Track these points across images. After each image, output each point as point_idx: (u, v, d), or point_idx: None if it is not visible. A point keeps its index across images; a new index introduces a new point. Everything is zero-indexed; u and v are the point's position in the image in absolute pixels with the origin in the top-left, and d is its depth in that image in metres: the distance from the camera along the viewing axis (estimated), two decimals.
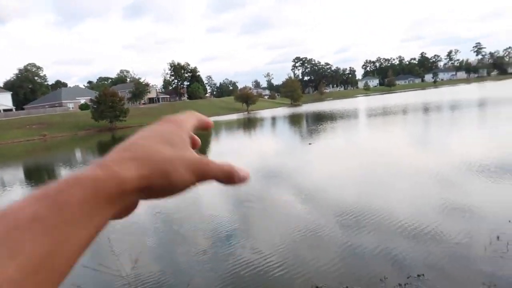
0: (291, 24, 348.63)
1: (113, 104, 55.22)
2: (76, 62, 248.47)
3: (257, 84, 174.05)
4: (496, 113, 24.99)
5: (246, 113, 68.03)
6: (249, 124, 41.31)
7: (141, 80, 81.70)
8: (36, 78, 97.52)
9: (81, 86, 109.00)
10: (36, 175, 20.01)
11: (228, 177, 0.40)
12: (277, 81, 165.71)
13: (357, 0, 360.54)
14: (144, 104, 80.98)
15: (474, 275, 4.71)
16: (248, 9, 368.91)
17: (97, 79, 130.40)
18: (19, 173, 21.69)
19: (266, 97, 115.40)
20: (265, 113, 59.93)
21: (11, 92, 78.56)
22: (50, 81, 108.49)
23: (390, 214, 6.99)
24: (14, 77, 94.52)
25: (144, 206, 9.03)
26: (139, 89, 79.08)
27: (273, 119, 45.01)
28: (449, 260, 5.10)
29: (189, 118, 0.47)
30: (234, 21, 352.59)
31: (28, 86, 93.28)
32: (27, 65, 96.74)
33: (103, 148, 32.01)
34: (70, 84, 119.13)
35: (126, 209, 0.37)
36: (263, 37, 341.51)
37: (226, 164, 0.41)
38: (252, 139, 26.50)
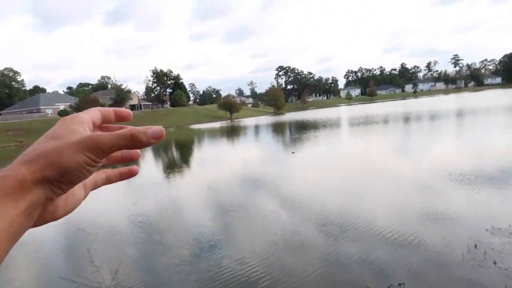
0: (274, 34, 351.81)
1: None
2: (55, 67, 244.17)
3: (240, 92, 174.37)
4: (473, 122, 25.68)
5: (229, 121, 68.01)
6: (232, 132, 41.27)
7: (123, 87, 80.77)
8: (13, 83, 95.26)
9: (61, 92, 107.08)
10: None
11: (131, 140, 0.42)
12: (260, 89, 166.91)
13: (339, 11, 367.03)
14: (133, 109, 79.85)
15: (453, 284, 4.79)
16: (231, 17, 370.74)
17: (77, 85, 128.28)
18: None
19: (249, 105, 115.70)
20: (249, 121, 60.03)
21: None
22: (28, 86, 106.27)
23: (372, 222, 7.06)
24: None
25: (125, 215, 8.87)
26: (121, 95, 78.08)
27: (257, 127, 45.11)
28: (429, 269, 5.18)
29: (86, 113, 0.47)
30: (218, 29, 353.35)
31: (4, 91, 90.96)
32: (4, 69, 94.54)
33: None
34: (49, 89, 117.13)
35: (43, 212, 0.39)
36: (246, 45, 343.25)
37: (123, 129, 0.43)
38: (235, 147, 26.48)
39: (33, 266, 6.63)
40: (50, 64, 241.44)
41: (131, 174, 0.51)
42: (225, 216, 8.65)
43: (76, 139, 0.40)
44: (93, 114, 0.48)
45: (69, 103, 70.68)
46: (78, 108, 54.67)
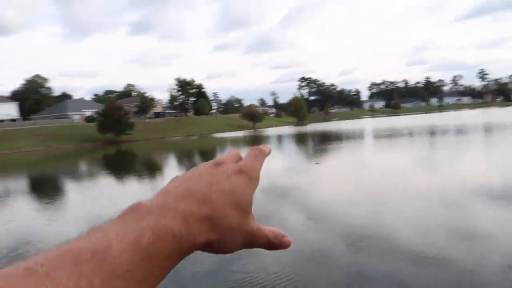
0: (295, 45, 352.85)
1: (119, 117, 55.60)
2: (82, 75, 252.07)
3: (262, 102, 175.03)
4: (505, 138, 24.85)
5: (252, 130, 68.17)
6: (255, 142, 41.31)
7: (147, 95, 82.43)
8: (41, 89, 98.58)
9: (87, 98, 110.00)
10: (40, 186, 19.92)
11: (271, 248, 0.43)
12: (282, 99, 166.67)
13: (362, 24, 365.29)
14: (149, 118, 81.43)
15: None
16: (253, 30, 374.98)
17: (103, 92, 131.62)
18: (22, 184, 21.60)
19: (272, 115, 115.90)
20: (271, 131, 60.04)
21: (18, 102, 79.31)
22: (56, 92, 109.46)
23: (399, 238, 6.81)
24: (22, 88, 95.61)
25: None
26: (145, 103, 79.69)
27: (280, 137, 45.03)
28: None
29: (259, 163, 0.45)
30: (240, 40, 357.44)
31: (34, 97, 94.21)
32: (34, 76, 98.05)
33: (107, 162, 32.02)
34: (76, 96, 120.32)
35: None
36: (267, 56, 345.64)
37: (272, 234, 0.42)
38: None
39: None
40: (77, 72, 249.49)
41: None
42: None
43: (248, 231, 0.40)
44: (262, 165, 0.46)
45: (95, 110, 72.56)
46: (105, 114, 55.91)
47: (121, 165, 27.98)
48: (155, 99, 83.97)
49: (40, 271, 0.27)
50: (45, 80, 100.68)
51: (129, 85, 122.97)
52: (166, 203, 0.36)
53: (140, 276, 0.30)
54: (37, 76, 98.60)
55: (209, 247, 0.37)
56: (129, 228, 0.32)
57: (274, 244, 0.42)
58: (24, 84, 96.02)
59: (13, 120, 71.70)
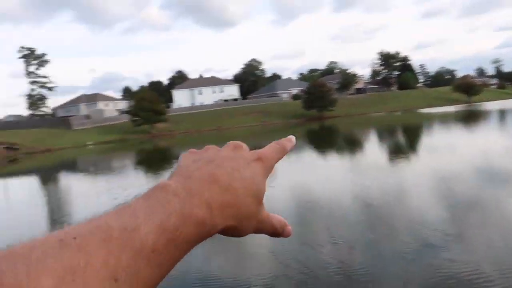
0: None
1: (322, 94, 57.67)
2: (289, 56, 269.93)
3: (480, 72, 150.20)
4: None
5: (466, 105, 59.81)
6: (469, 118, 36.14)
7: (348, 71, 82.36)
8: (257, 71, 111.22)
9: (294, 78, 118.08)
10: None
11: (275, 235, 0.45)
12: (508, 67, 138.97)
13: None
14: (351, 94, 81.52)
15: None
16: None
17: (308, 71, 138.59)
18: None
19: (492, 86, 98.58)
20: (491, 105, 51.20)
21: (238, 84, 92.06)
22: (268, 74, 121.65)
23: None
24: (241, 71, 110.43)
25: (358, 196, 8.86)
26: (347, 79, 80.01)
27: (502, 113, 37.94)
28: None
29: (277, 155, 0.47)
30: (453, 3, 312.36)
31: (251, 79, 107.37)
32: (250, 60, 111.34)
33: (311, 136, 33.91)
34: (284, 76, 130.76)
35: None
36: (489, 17, 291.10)
37: (278, 222, 0.44)
38: (473, 136, 22.93)
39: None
40: (285, 54, 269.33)
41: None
42: (457, 213, 7.57)
43: (261, 219, 0.42)
44: (278, 159, 0.48)
45: (301, 88, 77.39)
46: (309, 92, 59.05)
47: (323, 139, 29.17)
48: (357, 75, 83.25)
49: (73, 244, 0.28)
50: (260, 63, 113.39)
51: (331, 62, 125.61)
52: (191, 187, 0.37)
53: (162, 258, 0.31)
54: (253, 60, 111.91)
55: (226, 232, 0.39)
56: (156, 210, 0.33)
57: (278, 232, 0.44)
58: (243, 68, 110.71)
59: (235, 99, 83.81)
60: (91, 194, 13.46)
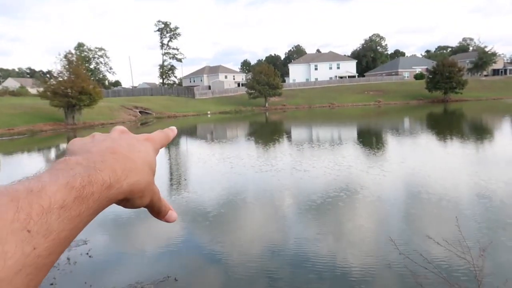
0: None
1: (451, 74, 52.12)
2: (416, 31, 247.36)
3: None
4: None
5: None
6: None
7: (487, 49, 72.37)
8: (378, 47, 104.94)
9: (418, 55, 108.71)
10: (366, 137, 21.92)
11: (159, 214, 0.49)
12: None
13: None
14: (486, 76, 72.02)
15: None
16: None
17: (436, 48, 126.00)
18: (352, 133, 24.44)
19: None
20: None
21: (356, 61, 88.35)
22: (390, 50, 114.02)
23: None
24: (360, 47, 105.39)
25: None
26: (483, 59, 70.61)
27: None
28: None
29: (161, 140, 0.52)
30: None
31: (370, 55, 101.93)
32: (372, 35, 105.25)
33: (432, 120, 31.14)
34: (408, 53, 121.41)
35: None
36: None
37: (164, 205, 0.49)
38: None
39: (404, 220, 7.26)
40: (412, 28, 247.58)
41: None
42: None
43: (155, 190, 0.46)
44: (163, 144, 0.53)
45: (426, 67, 70.97)
46: (435, 71, 53.88)
47: (445, 125, 26.56)
48: (496, 54, 72.76)
49: None
50: (382, 38, 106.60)
51: (465, 39, 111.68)
52: (92, 158, 0.40)
53: (72, 213, 0.34)
54: (376, 35, 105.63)
55: (126, 199, 0.42)
56: (61, 174, 0.36)
57: (163, 212, 0.49)
58: (363, 44, 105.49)
59: (352, 76, 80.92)
60: (211, 161, 14.59)
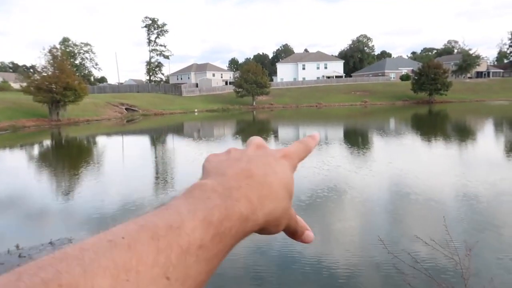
0: None
1: (436, 76, 52.96)
2: (402, 33, 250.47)
3: None
4: None
5: None
6: None
7: (471, 52, 73.72)
8: (365, 48, 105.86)
9: (404, 56, 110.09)
10: (352, 137, 22.13)
11: (295, 236, 0.45)
12: None
13: None
14: (470, 78, 73.39)
15: None
16: None
17: (421, 50, 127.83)
18: (338, 133, 24.63)
19: None
20: None
21: (343, 61, 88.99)
22: (377, 51, 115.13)
23: None
24: (347, 47, 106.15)
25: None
26: (467, 61, 71.92)
27: None
28: None
29: (302, 153, 0.47)
30: None
31: (357, 56, 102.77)
32: (359, 36, 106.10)
33: (417, 121, 31.59)
34: (394, 54, 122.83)
35: None
36: None
37: (301, 223, 0.45)
38: None
39: (387, 222, 7.31)
40: (398, 30, 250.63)
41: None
42: None
43: (291, 215, 0.42)
44: (302, 158, 0.48)
45: (411, 68, 71.83)
46: (420, 72, 54.65)
47: (430, 126, 26.97)
48: (480, 56, 74.18)
49: (122, 243, 0.28)
50: (369, 39, 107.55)
51: (450, 41, 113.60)
52: (228, 183, 0.37)
53: (210, 253, 0.31)
54: (363, 35, 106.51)
55: (265, 227, 0.39)
56: (198, 206, 0.33)
57: (299, 233, 0.44)
58: (350, 44, 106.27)
59: (339, 76, 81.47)
60: (199, 160, 14.52)
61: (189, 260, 0.29)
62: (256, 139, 0.46)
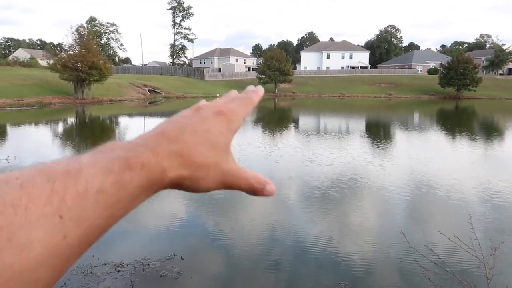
0: None
1: (465, 71, 51.24)
2: (432, 25, 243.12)
3: None
4: None
5: None
6: None
7: (505, 47, 70.87)
8: (392, 39, 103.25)
9: (433, 49, 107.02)
10: (374, 129, 21.73)
11: (253, 192, 0.42)
12: None
13: None
14: (501, 74, 70.77)
15: None
16: None
17: (451, 44, 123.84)
18: (361, 125, 24.22)
19: None
20: None
21: (369, 51, 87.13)
22: (405, 43, 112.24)
23: None
24: (374, 38, 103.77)
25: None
26: (500, 57, 69.22)
27: None
28: None
29: (242, 108, 0.46)
30: None
31: (384, 47, 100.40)
32: (387, 26, 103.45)
33: (443, 116, 30.75)
34: (423, 47, 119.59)
35: None
36: None
37: (254, 179, 0.42)
38: None
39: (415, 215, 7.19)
40: (428, 22, 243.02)
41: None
42: None
43: (224, 169, 0.40)
44: (246, 113, 0.46)
45: (440, 62, 69.83)
46: (449, 67, 53.01)
47: (456, 122, 26.21)
48: None
49: (15, 182, 0.28)
50: (398, 30, 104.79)
51: (482, 35, 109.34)
52: (137, 142, 0.38)
53: (110, 199, 0.31)
54: (391, 26, 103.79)
55: (182, 184, 0.38)
56: (100, 157, 0.34)
57: (256, 189, 0.41)
58: (377, 34, 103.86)
59: (364, 67, 79.95)
60: None
61: (86, 203, 0.30)
62: (200, 102, 0.46)
